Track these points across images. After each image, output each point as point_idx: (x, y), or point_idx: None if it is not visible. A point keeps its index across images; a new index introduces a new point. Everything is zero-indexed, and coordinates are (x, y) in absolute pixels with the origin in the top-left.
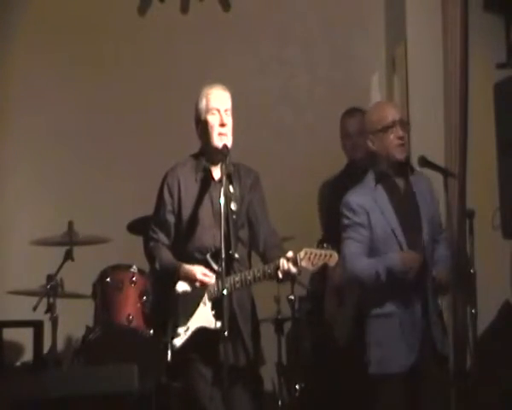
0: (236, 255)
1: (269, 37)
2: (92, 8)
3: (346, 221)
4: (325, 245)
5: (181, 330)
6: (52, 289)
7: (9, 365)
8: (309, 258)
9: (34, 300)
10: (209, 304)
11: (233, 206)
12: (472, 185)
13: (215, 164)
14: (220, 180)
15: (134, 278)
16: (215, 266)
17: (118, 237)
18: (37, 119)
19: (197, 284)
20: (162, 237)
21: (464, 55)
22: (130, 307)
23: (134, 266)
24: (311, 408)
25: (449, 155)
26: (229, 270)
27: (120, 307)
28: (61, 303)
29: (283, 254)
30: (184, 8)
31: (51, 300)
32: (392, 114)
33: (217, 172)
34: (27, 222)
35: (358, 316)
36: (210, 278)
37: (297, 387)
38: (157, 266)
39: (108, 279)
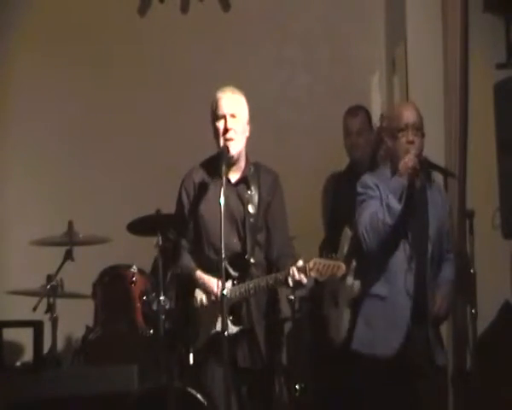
0: (252, 260)
1: (269, 37)
2: (92, 9)
3: (361, 197)
4: (334, 255)
5: (200, 333)
6: (52, 290)
7: (9, 365)
8: (318, 268)
9: (34, 300)
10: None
11: (250, 208)
12: (472, 185)
13: (230, 167)
14: (236, 183)
15: (134, 278)
16: (231, 271)
17: (118, 237)
18: (37, 118)
19: (213, 297)
20: (183, 241)
21: (464, 55)
22: (130, 307)
23: (134, 266)
24: (311, 408)
25: (449, 155)
26: (245, 275)
27: (120, 308)
28: (61, 303)
29: (294, 263)
30: (184, 8)
31: (51, 300)
32: (406, 117)
33: (233, 176)
34: (27, 222)
35: (354, 316)
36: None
37: (297, 387)
38: (178, 270)
39: (108, 279)
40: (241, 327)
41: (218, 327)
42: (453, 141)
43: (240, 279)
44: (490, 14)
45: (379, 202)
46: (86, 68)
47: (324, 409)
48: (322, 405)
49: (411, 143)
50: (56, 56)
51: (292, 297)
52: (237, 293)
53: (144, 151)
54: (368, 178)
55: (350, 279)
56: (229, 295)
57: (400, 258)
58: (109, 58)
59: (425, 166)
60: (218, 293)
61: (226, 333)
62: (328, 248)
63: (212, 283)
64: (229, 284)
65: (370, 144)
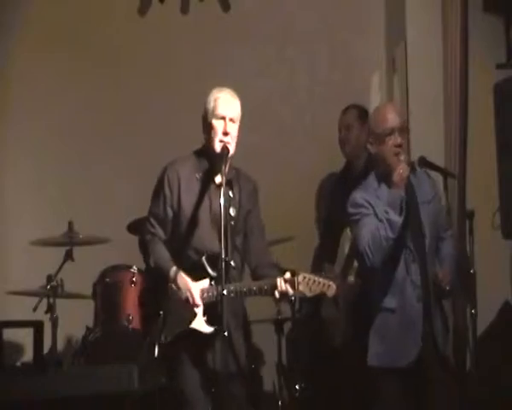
0: (233, 263)
1: (269, 37)
2: (92, 9)
3: (355, 217)
4: (323, 272)
5: (171, 327)
6: (52, 290)
7: (9, 365)
8: (307, 283)
9: (34, 300)
10: (201, 309)
11: (232, 211)
12: (472, 185)
13: (216, 166)
14: (220, 184)
15: (134, 278)
16: (209, 270)
17: (118, 237)
18: (36, 118)
19: (190, 299)
20: (160, 231)
21: (464, 55)
22: (130, 307)
23: (134, 266)
24: (311, 408)
25: (449, 155)
26: (225, 277)
27: (120, 308)
28: (61, 303)
29: (280, 274)
30: (184, 9)
31: (51, 300)
32: (391, 121)
33: (217, 177)
34: (27, 222)
35: (355, 316)
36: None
37: (297, 387)
38: (151, 262)
39: (108, 279)
40: (215, 327)
41: (195, 325)
42: (453, 141)
43: (217, 280)
44: (490, 14)
45: (375, 219)
46: (86, 68)
47: (324, 409)
48: (322, 405)
49: (400, 146)
50: (56, 56)
51: (292, 298)
52: (214, 293)
53: (144, 151)
54: (357, 197)
55: (351, 279)
56: (205, 294)
57: (402, 265)
58: (109, 58)
59: (419, 165)
60: (196, 301)
61: (226, 333)
62: (323, 254)
63: (193, 289)
64: (205, 282)
65: (362, 142)
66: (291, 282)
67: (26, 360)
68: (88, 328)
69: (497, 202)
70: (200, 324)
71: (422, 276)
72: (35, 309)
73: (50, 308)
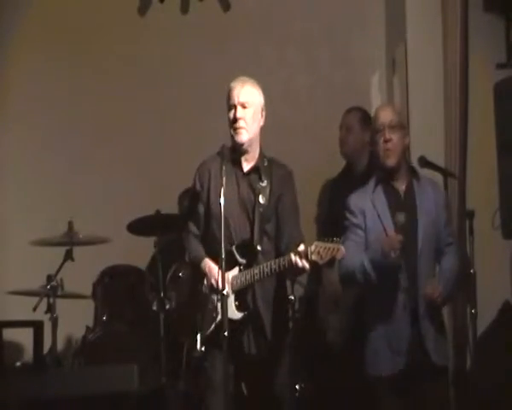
0: (259, 247)
1: (269, 37)
2: (92, 9)
3: (345, 222)
4: (335, 239)
5: (208, 322)
6: (52, 290)
7: (9, 365)
8: (318, 252)
9: (34, 300)
10: (232, 296)
11: (261, 199)
12: (472, 185)
13: (242, 154)
14: (248, 172)
15: (134, 278)
16: (238, 258)
17: (118, 237)
18: (37, 118)
19: (215, 285)
20: (193, 228)
21: (464, 55)
22: (130, 308)
23: (134, 267)
24: (311, 408)
25: (449, 155)
26: (252, 263)
27: (120, 308)
28: (61, 303)
29: (295, 248)
30: (184, 8)
31: (51, 300)
32: (382, 117)
33: (245, 165)
34: (27, 222)
35: (354, 321)
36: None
37: (297, 387)
38: (186, 258)
39: (108, 279)
40: (245, 313)
41: (219, 315)
42: (453, 141)
43: (246, 267)
44: (490, 14)
45: (363, 233)
46: (86, 68)
47: (324, 409)
48: (323, 405)
49: (388, 141)
50: (56, 56)
51: (292, 298)
52: (242, 279)
53: (144, 151)
54: (352, 203)
55: None
56: (234, 282)
57: (392, 276)
58: (109, 58)
59: (419, 165)
60: (220, 284)
61: (226, 333)
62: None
63: (215, 272)
64: (235, 270)
65: (363, 145)
66: (304, 253)
67: (26, 359)
68: (88, 328)
69: (497, 202)
70: (231, 311)
71: (411, 283)
72: (35, 309)
73: (50, 308)
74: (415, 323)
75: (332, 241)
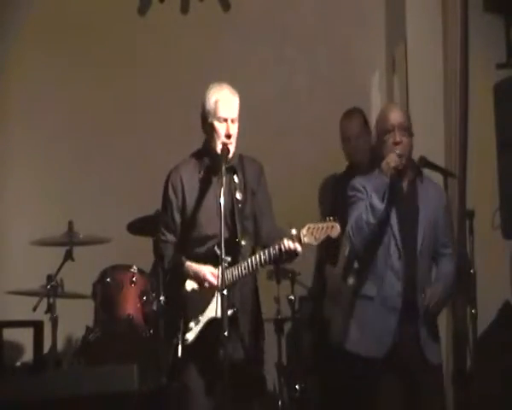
0: (243, 242)
1: (269, 37)
2: (92, 9)
3: (350, 200)
4: (329, 218)
5: (192, 324)
6: (52, 290)
7: (9, 365)
8: (311, 233)
9: (34, 300)
10: (217, 294)
11: (238, 195)
12: (472, 185)
13: (217, 164)
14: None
15: (134, 278)
16: (223, 256)
17: (118, 237)
18: (37, 118)
19: (206, 284)
20: (170, 236)
21: (464, 55)
22: (130, 307)
23: (134, 266)
24: (311, 408)
25: (449, 155)
26: (237, 258)
27: (120, 308)
28: (61, 303)
29: (287, 234)
30: (184, 8)
31: (51, 300)
32: (392, 119)
33: (219, 171)
34: (27, 222)
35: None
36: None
37: (297, 387)
38: (166, 265)
39: (108, 279)
40: (234, 309)
41: (209, 313)
42: (453, 141)
43: (232, 264)
44: (490, 14)
45: (365, 203)
46: (86, 68)
47: (324, 409)
48: (322, 405)
49: (398, 143)
50: (56, 56)
51: (292, 297)
52: (229, 276)
53: (144, 151)
54: (356, 181)
55: (351, 280)
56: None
57: (388, 257)
58: (109, 58)
59: (419, 165)
60: (210, 280)
61: (226, 333)
62: (325, 254)
63: (204, 270)
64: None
65: (369, 146)
66: (297, 237)
67: (26, 359)
68: (88, 328)
69: (497, 202)
70: (213, 311)
71: (407, 274)
72: (35, 309)
73: (50, 308)
74: (408, 311)
75: (325, 221)
